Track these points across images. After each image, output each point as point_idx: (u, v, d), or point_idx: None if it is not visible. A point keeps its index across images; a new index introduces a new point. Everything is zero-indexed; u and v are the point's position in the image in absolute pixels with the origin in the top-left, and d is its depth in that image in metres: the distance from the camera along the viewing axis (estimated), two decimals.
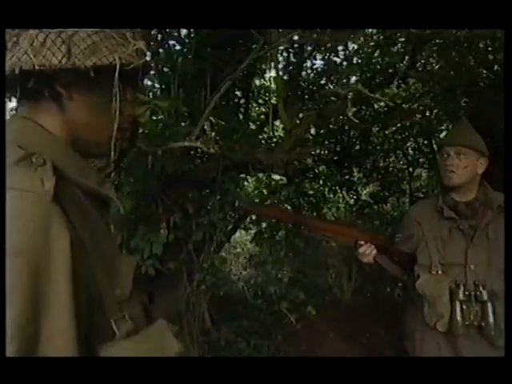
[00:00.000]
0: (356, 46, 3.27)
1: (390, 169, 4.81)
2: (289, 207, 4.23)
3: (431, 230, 1.66)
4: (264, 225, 4.05)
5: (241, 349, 2.90)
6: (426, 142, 4.63)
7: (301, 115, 3.20)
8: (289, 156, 2.70)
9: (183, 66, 2.37)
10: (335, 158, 4.33)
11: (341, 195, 4.79)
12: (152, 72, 2.39)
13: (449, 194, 1.68)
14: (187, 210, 2.39)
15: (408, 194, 4.91)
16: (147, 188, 2.24)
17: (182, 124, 2.35)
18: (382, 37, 3.11)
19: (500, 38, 2.83)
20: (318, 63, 3.57)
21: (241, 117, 3.28)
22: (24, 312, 0.50)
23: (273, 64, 2.72)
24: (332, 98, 3.04)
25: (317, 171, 4.44)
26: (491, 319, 1.49)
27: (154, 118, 2.20)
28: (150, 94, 2.52)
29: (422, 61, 3.62)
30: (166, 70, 2.54)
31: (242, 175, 2.91)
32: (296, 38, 2.47)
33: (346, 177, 4.57)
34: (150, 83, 2.54)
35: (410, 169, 4.85)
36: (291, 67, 3.44)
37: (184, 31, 2.60)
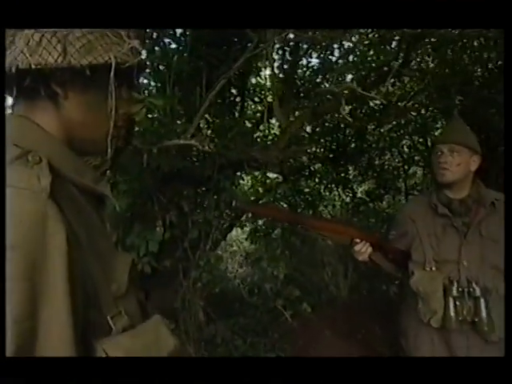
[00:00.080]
0: (351, 45, 3.27)
1: (386, 167, 4.83)
2: (285, 205, 4.24)
3: (425, 227, 1.68)
4: (260, 222, 4.06)
5: (237, 346, 2.91)
6: (421, 139, 4.66)
7: (296, 113, 3.21)
8: (284, 154, 2.71)
9: (178, 64, 2.37)
10: (331, 155, 4.34)
11: (336, 193, 4.81)
12: (147, 70, 2.39)
13: (442, 192, 1.70)
14: (183, 207, 2.39)
15: (403, 192, 4.94)
16: (143, 186, 2.24)
17: (178, 122, 2.36)
18: (376, 35, 3.12)
19: (493, 36, 2.85)
20: (314, 61, 3.59)
21: (236, 115, 3.28)
22: (21, 307, 0.50)
23: (268, 62, 2.72)
24: (327, 96, 3.05)
25: (312, 169, 4.45)
26: (484, 315, 1.51)
27: (150, 116, 2.20)
28: (146, 92, 2.52)
29: (417, 59, 3.64)
30: (161, 68, 2.54)
31: (238, 173, 2.92)
32: (291, 36, 2.47)
33: (342, 175, 4.59)
34: (145, 81, 2.54)
35: (406, 166, 4.87)
36: (286, 65, 3.45)
37: (179, 30, 2.60)
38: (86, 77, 0.64)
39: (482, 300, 1.51)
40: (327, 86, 3.38)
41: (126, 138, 0.76)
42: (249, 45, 2.34)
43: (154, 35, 2.45)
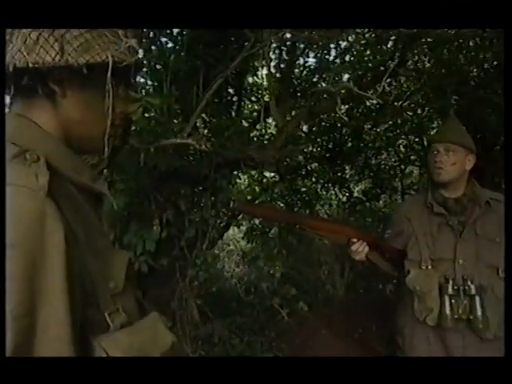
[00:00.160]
0: (348, 44, 3.29)
1: (382, 166, 4.85)
2: (281, 204, 4.25)
3: (421, 225, 1.69)
4: (256, 221, 4.07)
5: (234, 345, 2.92)
6: (417, 139, 4.68)
7: (293, 113, 3.22)
8: (281, 153, 2.72)
9: (175, 64, 2.37)
10: (327, 155, 4.36)
11: (333, 192, 4.82)
12: (144, 69, 2.39)
13: (438, 191, 1.71)
14: (180, 206, 2.39)
15: (400, 191, 4.96)
16: (140, 185, 2.25)
17: (175, 121, 2.36)
18: (373, 35, 3.13)
19: (489, 36, 2.86)
20: (310, 61, 3.59)
21: (233, 114, 3.29)
22: (20, 305, 0.51)
23: (265, 62, 2.73)
24: (324, 96, 3.05)
25: (309, 168, 4.47)
26: (479, 313, 1.52)
27: (146, 115, 2.20)
28: (143, 91, 2.52)
29: (413, 59, 3.65)
30: (158, 67, 2.54)
31: (235, 172, 2.92)
32: (288, 35, 2.48)
33: (338, 174, 4.60)
34: (142, 80, 2.54)
35: (402, 166, 4.89)
36: (283, 65, 3.45)
37: (176, 29, 2.60)
38: (83, 75, 0.64)
39: (477, 298, 1.52)
40: (324, 85, 3.39)
41: (122, 137, 0.76)
42: (246, 44, 2.35)
43: (151, 34, 2.45)
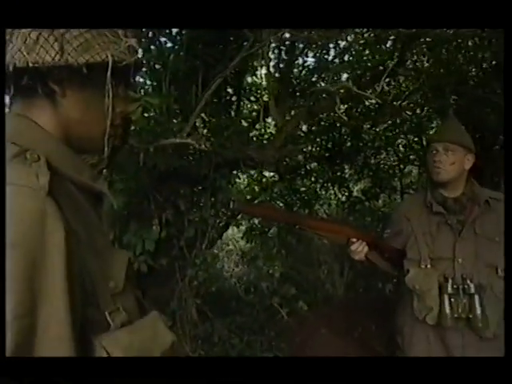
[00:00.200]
0: (347, 44, 3.29)
1: (381, 165, 4.85)
2: (281, 204, 4.26)
3: (420, 225, 1.69)
4: (256, 221, 4.07)
5: (233, 345, 2.92)
6: (416, 139, 4.68)
7: (292, 112, 3.22)
8: (280, 153, 2.72)
9: (174, 63, 2.37)
10: (326, 154, 4.36)
11: (332, 192, 4.83)
12: (143, 69, 2.39)
13: (437, 190, 1.71)
14: (179, 206, 2.40)
15: (399, 191, 4.96)
16: (139, 185, 2.25)
17: (174, 121, 2.36)
18: (372, 35, 3.13)
19: (488, 36, 2.87)
20: (310, 61, 3.60)
21: (232, 114, 3.29)
22: (21, 304, 0.51)
23: (264, 61, 2.73)
24: (323, 96, 3.06)
25: (308, 168, 4.47)
26: (478, 311, 1.52)
27: (146, 115, 2.20)
28: (142, 91, 2.52)
29: (412, 58, 3.66)
30: (157, 67, 2.54)
31: (234, 172, 2.92)
32: (287, 35, 2.48)
33: (338, 173, 4.60)
34: (141, 80, 2.54)
35: (401, 165, 4.90)
36: (282, 65, 3.45)
37: (175, 29, 2.60)
38: (83, 75, 0.65)
39: (477, 297, 1.53)
40: (323, 85, 3.39)
41: (122, 137, 0.76)
42: (245, 44, 2.35)
43: (150, 34, 2.45)
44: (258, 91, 3.73)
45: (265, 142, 3.40)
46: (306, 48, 3.45)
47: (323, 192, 4.79)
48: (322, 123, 4.19)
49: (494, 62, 3.43)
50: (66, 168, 0.65)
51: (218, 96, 3.01)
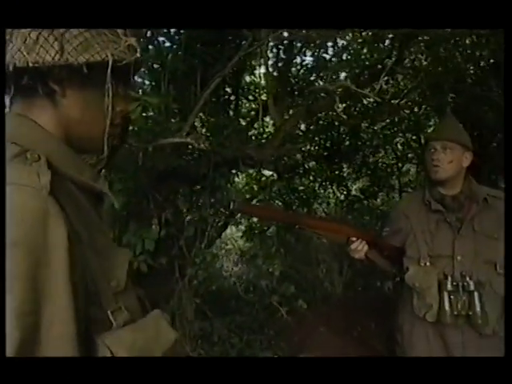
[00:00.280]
0: (345, 43, 3.29)
1: (379, 164, 4.86)
2: (279, 203, 4.26)
3: (419, 223, 1.69)
4: (255, 220, 4.07)
5: (233, 344, 2.92)
6: (414, 137, 4.70)
7: (290, 111, 3.22)
8: (279, 152, 2.72)
9: (173, 63, 2.37)
10: (325, 153, 4.37)
11: (331, 191, 4.84)
12: (142, 69, 2.38)
13: (435, 188, 1.72)
14: (178, 206, 2.40)
15: (397, 189, 4.97)
16: (138, 185, 2.24)
17: (172, 120, 2.36)
18: (370, 33, 3.14)
19: (485, 34, 2.88)
20: (308, 59, 3.60)
21: (231, 113, 3.29)
22: (24, 303, 0.51)
23: (263, 60, 2.73)
24: (321, 94, 3.06)
25: (307, 167, 4.47)
26: (478, 308, 1.53)
27: (144, 114, 2.20)
28: (140, 90, 2.51)
29: (410, 57, 3.66)
30: (155, 66, 2.54)
31: (233, 171, 2.93)
32: (285, 34, 2.48)
33: (336, 172, 4.61)
34: (139, 80, 2.53)
35: (399, 164, 4.91)
36: (281, 64, 3.45)
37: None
38: (83, 74, 0.64)
39: (476, 294, 1.53)
40: (321, 83, 3.40)
41: (121, 137, 0.76)
42: (243, 43, 2.35)
43: (148, 34, 2.45)
44: (257, 90, 3.73)
45: (263, 141, 3.40)
46: (304, 47, 3.45)
47: (322, 191, 4.80)
48: (321, 122, 4.20)
49: (491, 61, 3.44)
50: (66, 168, 0.65)
51: (217, 95, 3.01)
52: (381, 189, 4.91)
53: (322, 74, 3.55)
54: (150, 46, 2.51)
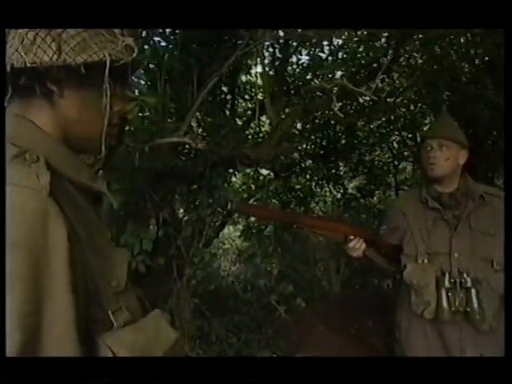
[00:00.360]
0: (341, 42, 3.30)
1: (376, 162, 4.88)
2: (276, 202, 4.26)
3: (416, 220, 1.70)
4: (252, 219, 4.08)
5: (231, 343, 2.92)
6: (410, 135, 4.71)
7: (287, 110, 3.22)
8: (276, 151, 2.72)
9: (169, 63, 2.37)
10: (321, 152, 4.37)
11: (327, 189, 4.84)
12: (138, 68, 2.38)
13: (432, 186, 1.72)
14: (176, 205, 2.39)
15: (393, 187, 4.99)
16: (135, 185, 2.24)
17: (169, 120, 2.35)
18: (365, 32, 3.14)
19: (480, 33, 2.89)
20: (304, 58, 3.60)
21: (227, 113, 3.29)
22: (26, 304, 0.51)
23: (259, 60, 2.73)
24: (318, 93, 3.06)
25: (303, 166, 4.47)
26: (475, 305, 1.54)
27: (141, 114, 2.20)
28: (137, 91, 2.51)
29: (406, 55, 3.67)
30: (152, 66, 2.53)
31: (230, 170, 2.93)
32: (281, 33, 2.48)
33: (333, 171, 4.62)
34: (136, 79, 2.53)
35: (395, 162, 4.93)
36: (277, 63, 3.46)
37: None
38: (81, 75, 0.64)
39: (473, 290, 1.54)
40: (317, 82, 3.40)
41: (118, 137, 0.76)
42: (239, 42, 2.35)
43: (144, 34, 2.44)
44: (253, 89, 3.74)
45: (260, 140, 3.40)
46: (300, 46, 3.45)
47: (318, 189, 4.80)
48: (317, 121, 4.20)
49: (486, 59, 3.46)
50: (65, 168, 0.64)
51: (213, 95, 3.00)
52: (377, 187, 4.92)
53: (318, 73, 3.56)
54: (146, 46, 2.50)
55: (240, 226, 4.40)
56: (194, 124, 2.85)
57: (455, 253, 1.61)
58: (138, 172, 2.19)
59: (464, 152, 1.69)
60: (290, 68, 3.64)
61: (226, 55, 2.43)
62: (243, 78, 3.69)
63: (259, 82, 3.40)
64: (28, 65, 0.61)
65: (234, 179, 3.87)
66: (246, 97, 3.85)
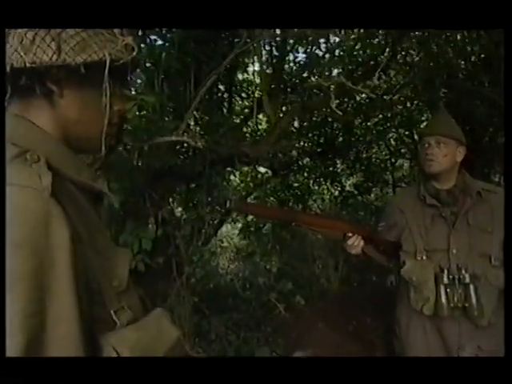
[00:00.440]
0: (338, 39, 3.30)
1: (373, 160, 4.88)
2: (274, 200, 4.27)
3: (414, 217, 1.71)
4: (251, 217, 4.08)
5: (230, 341, 2.93)
6: (407, 132, 4.72)
7: (284, 108, 3.22)
8: (274, 149, 2.72)
9: (166, 61, 2.36)
10: (319, 150, 4.37)
11: (325, 187, 4.85)
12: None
13: (430, 183, 1.73)
14: (174, 204, 2.39)
15: (391, 184, 5.00)
16: (134, 184, 2.24)
17: (166, 119, 2.35)
18: (362, 30, 3.15)
19: (476, 30, 2.90)
20: (301, 56, 3.60)
21: (225, 111, 3.29)
22: (29, 304, 0.51)
23: (256, 58, 2.73)
24: (315, 91, 3.06)
25: (301, 163, 4.48)
26: (474, 300, 1.55)
27: (138, 113, 2.19)
28: (133, 89, 2.50)
29: (403, 53, 3.68)
30: (148, 65, 2.53)
31: (229, 169, 2.93)
32: (278, 32, 2.48)
33: (330, 168, 4.63)
34: (134, 79, 2.52)
35: (392, 159, 4.94)
36: (274, 61, 3.45)
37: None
38: (80, 74, 0.64)
39: (472, 286, 1.56)
40: (314, 80, 3.40)
41: (118, 136, 0.76)
42: (236, 41, 2.35)
43: (140, 32, 2.43)
44: (250, 88, 3.73)
45: (258, 138, 3.40)
46: (297, 44, 3.45)
47: (316, 187, 4.81)
48: (314, 119, 4.21)
49: (482, 55, 3.47)
50: (65, 168, 0.64)
51: (210, 93, 3.00)
52: (375, 184, 4.93)
53: (315, 71, 3.56)
54: (143, 45, 2.49)
55: (239, 224, 4.40)
56: (191, 122, 2.85)
57: (453, 249, 1.62)
58: (137, 171, 2.19)
59: (461, 149, 1.69)
60: (287, 66, 3.64)
61: (223, 53, 2.42)
62: (240, 76, 3.69)
63: (257, 80, 3.40)
64: (28, 65, 0.61)
65: (232, 177, 3.87)
66: (244, 95, 3.84)
